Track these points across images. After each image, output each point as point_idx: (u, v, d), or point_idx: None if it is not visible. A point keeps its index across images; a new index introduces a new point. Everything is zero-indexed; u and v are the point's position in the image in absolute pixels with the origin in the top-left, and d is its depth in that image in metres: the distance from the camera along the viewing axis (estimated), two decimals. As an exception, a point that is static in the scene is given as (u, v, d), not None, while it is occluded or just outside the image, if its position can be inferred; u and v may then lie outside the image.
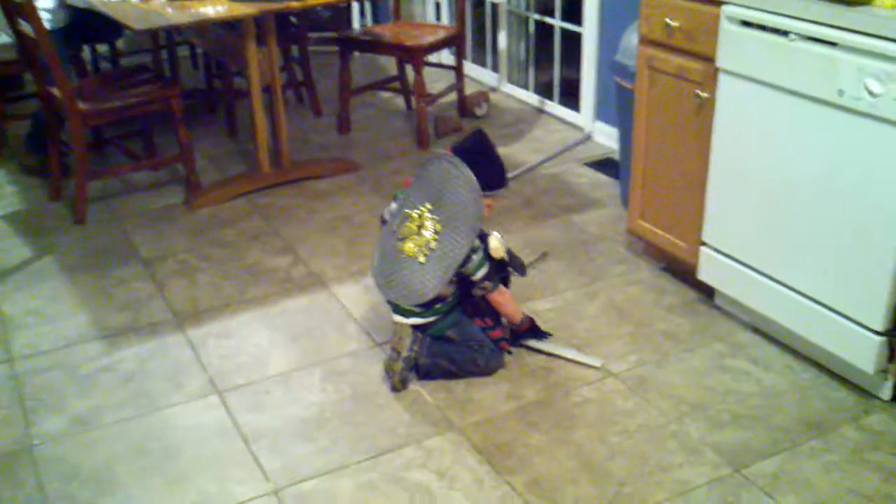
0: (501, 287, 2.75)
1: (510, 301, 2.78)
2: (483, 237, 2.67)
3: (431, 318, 2.70)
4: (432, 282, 2.59)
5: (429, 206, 2.63)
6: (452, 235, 2.58)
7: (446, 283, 2.62)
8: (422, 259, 2.60)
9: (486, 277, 2.67)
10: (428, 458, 2.42)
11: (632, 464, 2.37)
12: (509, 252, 2.76)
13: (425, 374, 2.71)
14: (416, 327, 2.69)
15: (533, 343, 2.83)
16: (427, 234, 2.60)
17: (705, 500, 2.24)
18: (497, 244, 2.68)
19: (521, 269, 2.83)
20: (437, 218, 2.60)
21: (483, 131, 2.76)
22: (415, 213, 2.64)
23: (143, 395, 2.71)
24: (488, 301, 2.75)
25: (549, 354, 2.81)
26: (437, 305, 2.68)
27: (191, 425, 2.58)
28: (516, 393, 2.66)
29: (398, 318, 2.72)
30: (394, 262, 2.66)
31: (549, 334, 2.85)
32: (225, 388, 2.73)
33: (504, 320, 2.83)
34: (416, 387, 2.70)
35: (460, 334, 2.72)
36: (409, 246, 2.63)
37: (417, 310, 2.68)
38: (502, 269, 2.76)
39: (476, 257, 2.63)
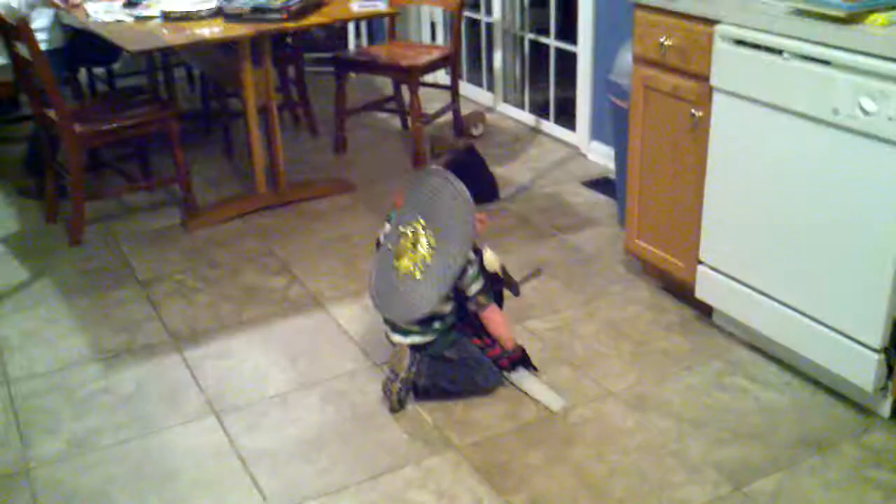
0: (495, 306, 2.75)
1: (504, 323, 2.78)
2: (477, 251, 2.67)
3: (430, 338, 2.70)
4: (429, 297, 2.59)
5: (422, 221, 2.63)
6: (447, 249, 2.58)
7: (443, 298, 2.62)
8: (418, 275, 2.61)
9: (481, 292, 2.67)
10: (427, 479, 2.41)
11: (632, 483, 2.36)
12: (504, 270, 2.76)
13: (424, 394, 2.70)
14: (414, 348, 2.69)
15: (507, 374, 2.79)
16: (422, 249, 2.61)
17: (706, 519, 2.24)
18: (492, 258, 2.68)
19: (515, 287, 2.83)
20: (430, 232, 2.61)
21: (473, 145, 2.76)
22: (409, 230, 2.65)
23: (140, 418, 2.70)
24: (483, 320, 2.75)
25: (518, 388, 2.77)
26: (436, 325, 2.68)
27: (189, 447, 2.57)
28: (514, 412, 2.65)
29: (397, 339, 2.71)
30: (391, 281, 2.66)
31: (536, 369, 2.82)
32: (223, 410, 2.72)
33: None
34: (415, 406, 2.69)
35: (459, 354, 2.72)
36: (405, 263, 2.63)
37: (416, 329, 2.68)
38: (497, 285, 2.76)
39: (471, 270, 2.64)
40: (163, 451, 2.56)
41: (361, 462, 2.48)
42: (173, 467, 2.50)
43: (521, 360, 2.80)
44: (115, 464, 2.51)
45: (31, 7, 4.18)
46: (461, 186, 2.58)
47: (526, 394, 2.73)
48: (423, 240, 2.61)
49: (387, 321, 2.75)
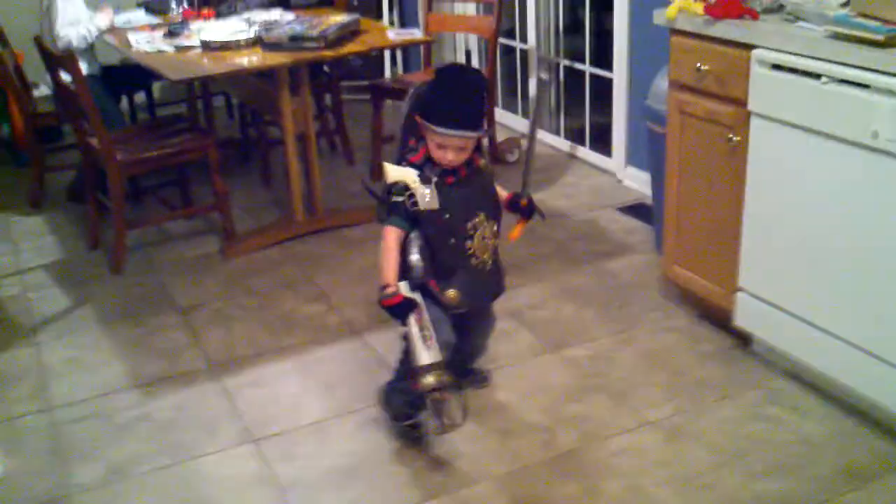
0: (388, 229, 2.54)
1: (384, 251, 2.54)
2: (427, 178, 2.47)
3: None
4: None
5: None
6: None
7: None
8: None
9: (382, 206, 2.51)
10: (463, 509, 2.41)
11: (669, 514, 2.34)
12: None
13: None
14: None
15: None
16: None
17: (745, 552, 2.21)
18: (393, 170, 2.50)
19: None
20: None
21: (459, 64, 2.64)
22: None
23: (178, 445, 2.72)
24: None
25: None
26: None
27: (226, 475, 2.59)
28: (551, 441, 2.64)
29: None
30: None
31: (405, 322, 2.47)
32: (260, 437, 2.73)
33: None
34: (451, 436, 2.68)
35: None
36: None
37: None
38: (385, 200, 2.56)
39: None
40: (200, 478, 2.58)
41: (398, 491, 2.48)
42: (210, 495, 2.51)
43: (400, 308, 2.44)
44: (152, 491, 2.53)
45: (84, 41, 4.30)
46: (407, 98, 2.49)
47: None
48: None
49: None
